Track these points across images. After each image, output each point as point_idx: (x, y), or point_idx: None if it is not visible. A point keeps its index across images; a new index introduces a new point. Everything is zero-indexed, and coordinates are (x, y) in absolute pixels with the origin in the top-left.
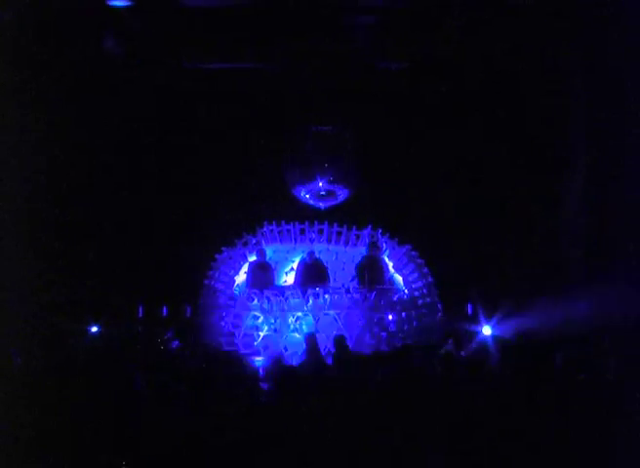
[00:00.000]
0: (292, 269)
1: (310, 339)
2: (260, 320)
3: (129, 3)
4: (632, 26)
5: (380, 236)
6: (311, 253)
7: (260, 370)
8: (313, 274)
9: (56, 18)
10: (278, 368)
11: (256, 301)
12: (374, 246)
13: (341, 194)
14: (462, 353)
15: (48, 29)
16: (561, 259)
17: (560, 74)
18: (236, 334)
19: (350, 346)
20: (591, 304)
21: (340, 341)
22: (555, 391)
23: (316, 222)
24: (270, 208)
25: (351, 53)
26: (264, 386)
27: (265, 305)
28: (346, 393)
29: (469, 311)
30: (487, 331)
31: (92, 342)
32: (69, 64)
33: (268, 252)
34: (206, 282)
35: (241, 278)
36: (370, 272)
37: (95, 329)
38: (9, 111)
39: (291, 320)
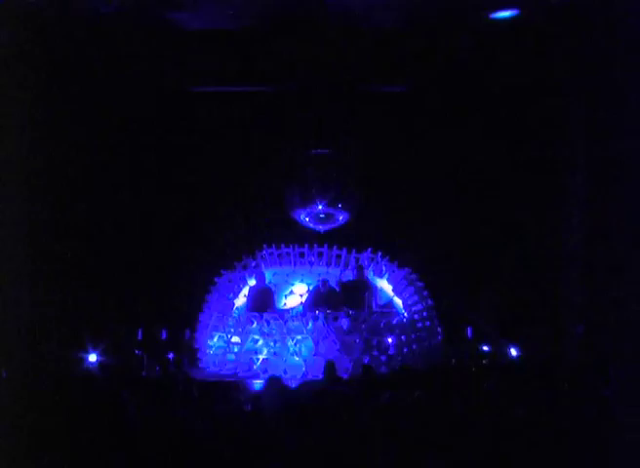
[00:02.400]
0: (291, 292)
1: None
2: (260, 343)
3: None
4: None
5: (379, 259)
6: (325, 282)
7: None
8: (327, 302)
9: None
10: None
11: (255, 324)
12: (361, 269)
13: (341, 217)
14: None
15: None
16: (561, 281)
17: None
18: (235, 358)
19: (349, 369)
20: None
21: (330, 367)
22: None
23: (316, 245)
24: (270, 231)
25: (352, 75)
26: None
27: (265, 329)
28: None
29: (469, 334)
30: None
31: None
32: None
33: (268, 275)
34: (205, 305)
35: (241, 301)
36: (359, 295)
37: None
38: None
39: (290, 343)
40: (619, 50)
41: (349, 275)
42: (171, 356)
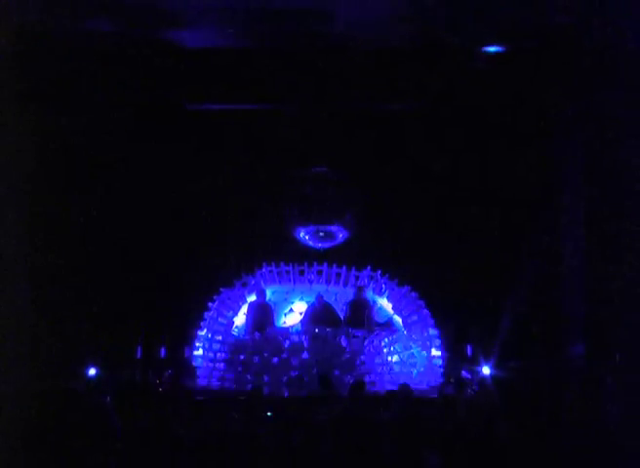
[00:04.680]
0: (291, 310)
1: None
2: (261, 360)
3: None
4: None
5: (379, 277)
6: (320, 298)
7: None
8: (323, 318)
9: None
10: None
11: (254, 342)
12: (361, 290)
13: (341, 235)
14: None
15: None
16: (561, 300)
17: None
18: (234, 374)
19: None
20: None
21: (324, 381)
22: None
23: (315, 263)
24: (269, 249)
25: (353, 94)
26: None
27: (265, 346)
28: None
29: (469, 352)
30: (486, 371)
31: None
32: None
33: (267, 292)
34: (204, 323)
35: (240, 319)
36: (359, 313)
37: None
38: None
39: (290, 361)
40: (619, 75)
41: (350, 294)
42: (169, 373)
